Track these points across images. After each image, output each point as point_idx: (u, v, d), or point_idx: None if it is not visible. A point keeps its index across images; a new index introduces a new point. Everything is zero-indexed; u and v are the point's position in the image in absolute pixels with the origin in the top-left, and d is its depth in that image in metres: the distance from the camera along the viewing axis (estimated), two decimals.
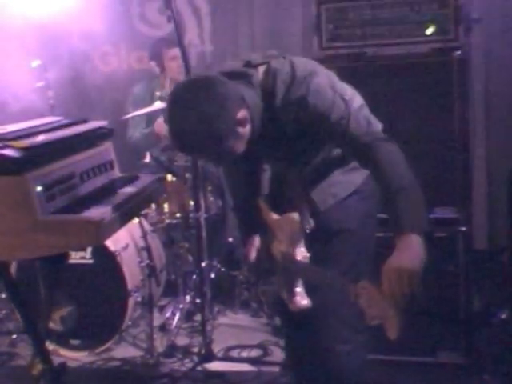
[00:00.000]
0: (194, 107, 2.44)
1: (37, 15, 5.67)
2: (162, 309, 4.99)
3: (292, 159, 2.83)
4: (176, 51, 5.22)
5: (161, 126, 5.21)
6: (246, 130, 2.58)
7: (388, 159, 2.47)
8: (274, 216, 2.86)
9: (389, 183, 2.44)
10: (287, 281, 2.78)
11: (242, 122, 2.54)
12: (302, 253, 2.73)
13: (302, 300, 2.72)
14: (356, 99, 2.65)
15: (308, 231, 2.73)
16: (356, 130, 2.55)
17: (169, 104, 2.55)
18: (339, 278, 2.53)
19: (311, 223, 2.74)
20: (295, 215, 2.77)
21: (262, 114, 2.63)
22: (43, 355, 2.99)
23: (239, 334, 4.78)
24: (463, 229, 3.96)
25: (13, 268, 4.24)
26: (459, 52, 3.87)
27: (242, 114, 2.53)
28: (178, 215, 4.88)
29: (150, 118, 5.41)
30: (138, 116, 5.25)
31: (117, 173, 3.43)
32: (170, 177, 4.86)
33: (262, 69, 2.69)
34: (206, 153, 2.62)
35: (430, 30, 3.91)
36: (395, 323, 2.25)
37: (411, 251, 2.34)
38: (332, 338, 2.84)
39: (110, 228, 2.73)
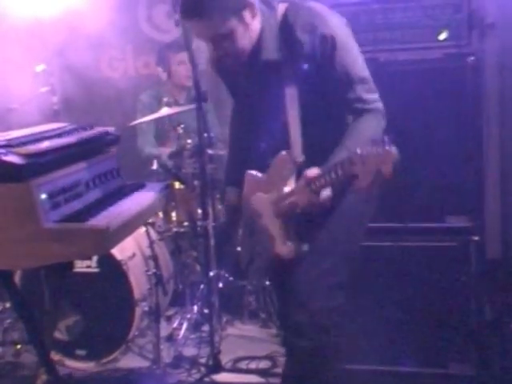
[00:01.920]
0: None
1: (42, 19, 5.65)
2: (169, 319, 4.92)
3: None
4: (183, 55, 5.18)
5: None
6: (252, 23, 2.71)
7: (361, 128, 2.76)
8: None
9: (345, 141, 2.71)
10: (286, 224, 2.86)
11: (250, 8, 2.69)
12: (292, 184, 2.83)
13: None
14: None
15: (300, 161, 2.81)
16: (356, 90, 2.76)
17: None
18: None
19: (302, 156, 2.82)
20: (284, 153, 2.84)
21: (275, 38, 2.76)
22: (48, 365, 2.97)
23: (247, 344, 4.72)
24: (476, 238, 3.88)
25: (17, 276, 4.21)
26: (473, 58, 3.81)
27: (252, 2, 2.69)
28: (185, 223, 4.83)
29: (158, 126, 5.37)
30: (146, 123, 5.20)
31: (123, 180, 3.38)
32: (177, 184, 4.81)
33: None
34: (206, 18, 2.66)
35: (443, 36, 3.84)
36: None
37: None
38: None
39: (117, 236, 2.69)
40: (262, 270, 3.19)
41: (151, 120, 5.04)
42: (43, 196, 2.57)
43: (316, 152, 2.77)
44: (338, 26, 2.78)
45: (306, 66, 2.75)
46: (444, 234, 3.83)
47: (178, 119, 5.02)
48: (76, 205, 2.80)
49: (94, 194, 2.98)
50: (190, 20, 2.73)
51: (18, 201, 2.53)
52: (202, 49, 6.08)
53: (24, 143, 2.77)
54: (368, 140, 2.48)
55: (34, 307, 2.98)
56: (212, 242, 4.48)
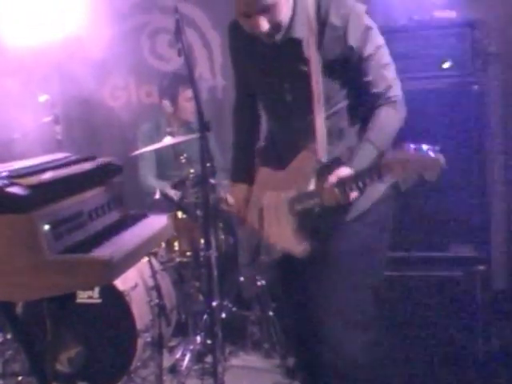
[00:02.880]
0: None
1: (45, 49, 5.67)
2: (171, 349, 4.89)
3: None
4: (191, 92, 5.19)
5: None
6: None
7: (383, 120, 2.79)
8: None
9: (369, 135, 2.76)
10: (303, 223, 2.85)
11: None
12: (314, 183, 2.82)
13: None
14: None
15: (324, 160, 2.80)
16: (380, 79, 2.80)
17: None
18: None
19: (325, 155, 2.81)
20: (308, 151, 2.83)
21: (306, 18, 2.77)
22: None
23: (251, 375, 4.68)
24: (482, 268, 3.86)
25: (19, 307, 4.17)
26: (476, 86, 3.81)
27: None
28: (188, 253, 4.80)
29: (160, 156, 5.36)
30: (148, 153, 5.20)
31: (126, 210, 3.36)
32: (180, 214, 4.79)
33: None
34: None
35: (446, 65, 3.84)
36: None
37: None
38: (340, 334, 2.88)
39: (120, 267, 2.67)
40: (268, 264, 3.19)
41: (153, 150, 5.03)
42: (46, 227, 2.55)
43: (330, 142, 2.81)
44: (366, 16, 2.83)
45: (334, 50, 2.78)
46: (450, 263, 3.81)
47: (180, 149, 5.01)
48: (79, 235, 2.78)
49: (96, 225, 2.96)
50: None
51: (21, 232, 2.51)
52: (204, 78, 6.16)
53: (27, 174, 2.76)
54: (390, 134, 2.70)
55: (36, 338, 2.96)
56: (215, 271, 4.44)
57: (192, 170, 4.81)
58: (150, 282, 4.52)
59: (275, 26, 2.76)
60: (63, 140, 4.80)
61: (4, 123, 4.98)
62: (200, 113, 4.05)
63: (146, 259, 4.41)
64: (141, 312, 4.39)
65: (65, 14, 5.67)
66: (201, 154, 4.06)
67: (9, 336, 4.50)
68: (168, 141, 4.83)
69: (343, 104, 2.89)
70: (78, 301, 4.18)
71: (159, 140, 4.93)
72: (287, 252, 2.92)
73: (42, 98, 4.81)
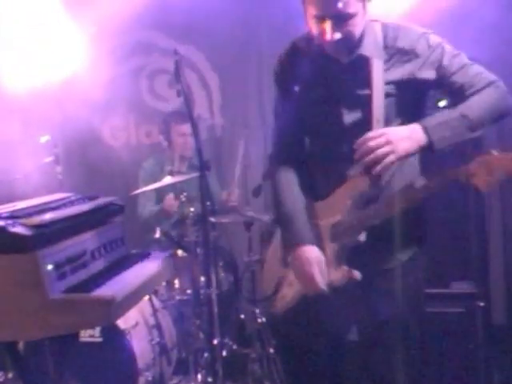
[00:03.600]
0: None
1: (45, 90, 5.72)
2: None
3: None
4: (185, 128, 5.25)
5: (170, 202, 5.19)
6: (362, 9, 2.68)
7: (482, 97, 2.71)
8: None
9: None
10: (340, 252, 2.82)
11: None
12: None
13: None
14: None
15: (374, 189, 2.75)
16: (473, 69, 2.75)
17: None
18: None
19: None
20: (358, 176, 2.77)
21: (374, 38, 2.76)
22: None
23: None
24: (481, 304, 3.88)
25: (21, 346, 4.16)
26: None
27: None
28: (188, 291, 4.81)
29: (160, 193, 5.39)
30: (148, 192, 5.23)
31: (127, 249, 3.38)
32: (180, 252, 4.81)
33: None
34: None
35: (442, 103, 3.88)
36: None
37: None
38: None
39: (122, 307, 2.69)
40: (289, 300, 3.04)
41: (153, 189, 5.05)
42: (49, 267, 2.58)
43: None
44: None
45: (402, 73, 2.75)
46: (449, 299, 3.81)
47: (180, 187, 5.04)
48: (81, 275, 2.81)
49: (99, 264, 2.99)
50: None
51: (24, 272, 2.53)
52: (202, 117, 6.22)
53: (30, 214, 2.79)
54: (487, 109, 2.64)
55: (38, 377, 2.96)
56: (215, 309, 4.45)
57: (192, 209, 4.84)
58: (151, 321, 4.52)
59: (346, 39, 2.69)
60: (64, 180, 4.83)
61: (5, 164, 5.02)
62: (199, 151, 4.10)
63: (146, 297, 4.41)
64: (142, 351, 4.39)
65: (65, 55, 5.73)
66: (201, 193, 4.10)
67: (10, 375, 4.49)
68: (168, 180, 4.87)
69: (397, 124, 2.80)
70: (80, 339, 4.18)
71: (161, 178, 4.97)
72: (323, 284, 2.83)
73: (43, 138, 4.85)
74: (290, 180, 3.00)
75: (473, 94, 2.71)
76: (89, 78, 5.70)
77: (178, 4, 5.82)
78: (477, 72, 2.76)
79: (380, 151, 2.60)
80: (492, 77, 2.77)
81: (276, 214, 3.05)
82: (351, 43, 2.74)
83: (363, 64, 2.77)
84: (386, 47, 2.77)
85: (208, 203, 4.22)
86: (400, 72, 2.76)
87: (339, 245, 2.84)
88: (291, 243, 2.89)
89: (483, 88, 2.72)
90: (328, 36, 2.66)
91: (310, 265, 2.81)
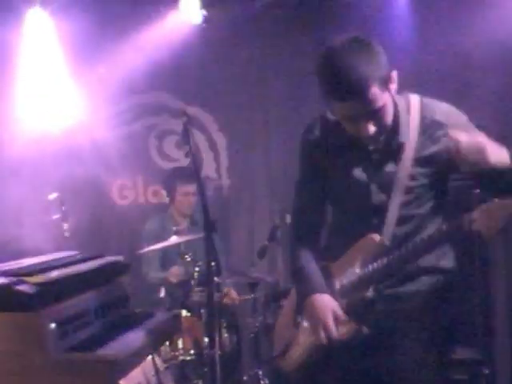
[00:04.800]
0: (362, 41, 2.64)
1: (55, 147, 5.79)
2: None
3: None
4: (189, 188, 5.29)
5: (176, 273, 5.19)
6: (388, 97, 2.69)
7: None
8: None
9: None
10: (349, 307, 2.84)
11: (391, 80, 2.69)
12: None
13: None
14: None
15: (387, 243, 2.78)
16: None
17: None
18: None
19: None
20: (375, 235, 2.81)
21: (407, 121, 2.77)
22: None
23: None
24: (486, 371, 3.85)
25: None
26: None
27: (394, 74, 2.70)
28: (191, 351, 4.78)
29: (165, 253, 5.39)
30: (152, 256, 5.25)
31: (131, 308, 3.38)
32: (184, 312, 4.80)
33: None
34: (367, 94, 2.59)
35: None
36: None
37: None
38: None
39: (125, 367, 2.68)
40: (298, 360, 3.04)
41: (157, 248, 5.06)
42: (52, 325, 2.55)
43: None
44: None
45: (437, 150, 2.75)
46: (454, 366, 3.78)
47: (185, 247, 5.05)
48: (84, 334, 2.78)
49: (102, 323, 2.97)
50: (349, 101, 2.64)
51: (27, 330, 2.52)
52: (210, 177, 6.27)
53: (35, 272, 2.78)
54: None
55: None
56: (218, 370, 4.42)
57: (197, 269, 4.85)
58: (154, 382, 4.47)
59: (381, 129, 2.71)
60: (71, 237, 4.85)
61: (13, 220, 5.05)
62: (206, 211, 4.11)
63: (149, 357, 4.38)
64: None
65: (76, 116, 5.81)
66: (206, 254, 4.10)
67: None
68: (173, 240, 4.88)
69: (418, 192, 2.82)
70: None
71: (165, 238, 4.98)
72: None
73: (52, 195, 4.88)
74: (308, 255, 3.05)
75: None
76: (98, 138, 5.78)
77: (187, 66, 5.93)
78: None
79: None
80: None
81: (291, 269, 3.10)
82: (382, 132, 2.75)
83: (399, 148, 2.79)
84: (422, 122, 2.77)
85: (213, 264, 4.23)
86: (433, 149, 2.76)
87: (348, 300, 2.87)
88: (305, 294, 2.93)
89: None
90: (362, 133, 2.70)
91: (323, 312, 2.84)
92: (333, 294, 2.91)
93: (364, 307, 2.85)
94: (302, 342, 3.01)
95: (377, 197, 2.84)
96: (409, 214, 2.80)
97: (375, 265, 2.81)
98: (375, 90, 2.59)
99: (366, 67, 2.57)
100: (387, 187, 2.81)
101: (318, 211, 3.06)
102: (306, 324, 2.99)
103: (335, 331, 2.82)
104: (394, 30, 5.73)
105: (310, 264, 2.99)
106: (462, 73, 5.49)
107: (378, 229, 2.81)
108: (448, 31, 5.47)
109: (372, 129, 2.68)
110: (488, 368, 3.85)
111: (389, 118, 2.74)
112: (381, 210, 2.81)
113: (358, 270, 2.85)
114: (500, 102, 5.49)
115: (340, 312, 2.84)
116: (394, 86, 2.72)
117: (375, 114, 2.66)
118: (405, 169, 2.77)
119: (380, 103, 2.64)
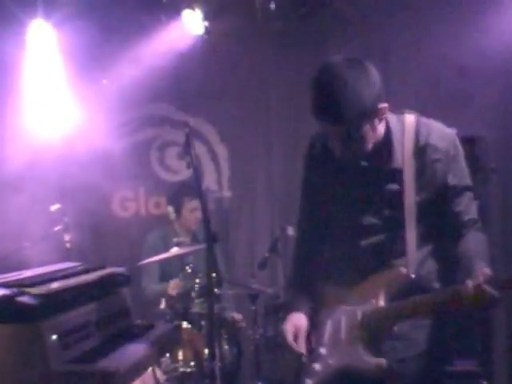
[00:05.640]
0: (352, 68, 2.59)
1: (56, 159, 5.80)
2: None
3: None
4: (196, 203, 5.28)
5: (175, 286, 5.18)
6: (376, 131, 2.68)
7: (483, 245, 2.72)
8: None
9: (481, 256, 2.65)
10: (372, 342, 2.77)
11: (379, 113, 2.65)
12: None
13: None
14: None
15: (413, 276, 2.73)
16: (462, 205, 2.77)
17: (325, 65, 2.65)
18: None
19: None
20: (402, 269, 2.75)
21: (401, 145, 2.75)
22: None
23: None
24: (484, 383, 3.85)
25: None
26: (477, 201, 3.87)
27: (382, 106, 2.63)
28: (192, 363, 4.77)
29: (165, 265, 5.38)
30: (152, 269, 5.25)
31: (132, 320, 3.38)
32: (185, 324, 4.79)
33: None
34: (342, 124, 2.59)
35: None
36: None
37: None
38: None
39: (126, 379, 2.67)
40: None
41: (157, 260, 5.06)
42: (53, 337, 2.56)
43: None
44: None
45: (431, 172, 2.74)
46: (453, 378, 3.78)
47: (186, 259, 5.06)
48: (86, 345, 2.78)
49: (103, 335, 2.97)
50: (324, 121, 2.66)
51: (28, 341, 2.52)
52: (211, 189, 6.27)
53: (36, 283, 2.79)
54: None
55: None
56: (218, 382, 4.42)
57: (197, 281, 4.85)
58: None
59: (359, 153, 2.71)
60: (72, 249, 4.86)
61: (15, 231, 5.06)
62: (207, 223, 4.12)
63: (149, 369, 4.37)
64: None
65: (77, 127, 5.81)
66: (207, 265, 4.11)
67: None
68: (175, 251, 4.88)
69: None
70: None
71: (165, 250, 4.98)
72: (354, 369, 2.78)
73: (54, 207, 4.89)
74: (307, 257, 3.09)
75: (462, 230, 2.76)
76: (100, 149, 5.78)
77: (189, 78, 5.95)
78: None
79: None
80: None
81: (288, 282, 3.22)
82: (361, 156, 2.74)
83: (397, 173, 2.77)
84: (417, 147, 2.75)
85: (213, 275, 4.23)
86: (430, 175, 2.75)
87: (373, 335, 2.79)
88: (287, 306, 3.06)
89: (476, 230, 2.77)
90: (338, 153, 2.72)
91: (287, 329, 2.90)
92: (346, 323, 2.86)
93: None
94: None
95: (370, 217, 2.83)
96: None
97: (404, 302, 2.73)
98: (352, 124, 2.60)
99: (352, 98, 2.56)
100: (388, 209, 2.80)
101: (320, 225, 3.04)
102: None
103: (297, 348, 2.86)
104: (391, 43, 5.80)
105: (300, 277, 3.08)
106: (460, 82, 5.49)
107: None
108: (445, 40, 5.49)
109: (348, 153, 2.70)
110: (486, 380, 3.85)
111: (370, 144, 2.70)
112: (373, 231, 2.81)
113: (382, 303, 2.78)
114: (499, 112, 5.49)
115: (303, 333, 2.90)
116: (378, 120, 2.69)
117: (349, 141, 2.66)
118: (409, 194, 2.74)
119: (355, 136, 2.64)
